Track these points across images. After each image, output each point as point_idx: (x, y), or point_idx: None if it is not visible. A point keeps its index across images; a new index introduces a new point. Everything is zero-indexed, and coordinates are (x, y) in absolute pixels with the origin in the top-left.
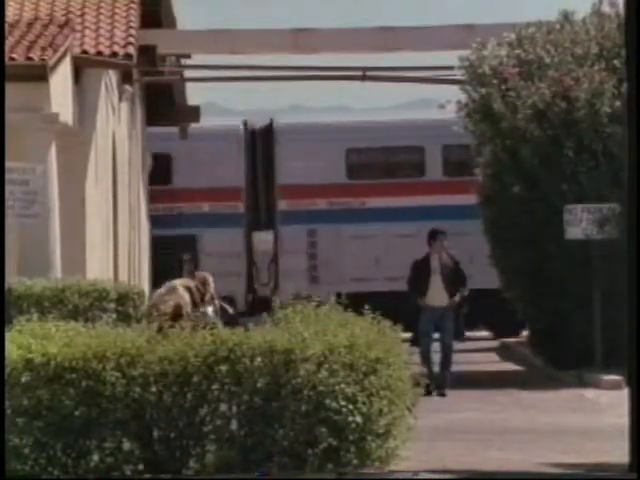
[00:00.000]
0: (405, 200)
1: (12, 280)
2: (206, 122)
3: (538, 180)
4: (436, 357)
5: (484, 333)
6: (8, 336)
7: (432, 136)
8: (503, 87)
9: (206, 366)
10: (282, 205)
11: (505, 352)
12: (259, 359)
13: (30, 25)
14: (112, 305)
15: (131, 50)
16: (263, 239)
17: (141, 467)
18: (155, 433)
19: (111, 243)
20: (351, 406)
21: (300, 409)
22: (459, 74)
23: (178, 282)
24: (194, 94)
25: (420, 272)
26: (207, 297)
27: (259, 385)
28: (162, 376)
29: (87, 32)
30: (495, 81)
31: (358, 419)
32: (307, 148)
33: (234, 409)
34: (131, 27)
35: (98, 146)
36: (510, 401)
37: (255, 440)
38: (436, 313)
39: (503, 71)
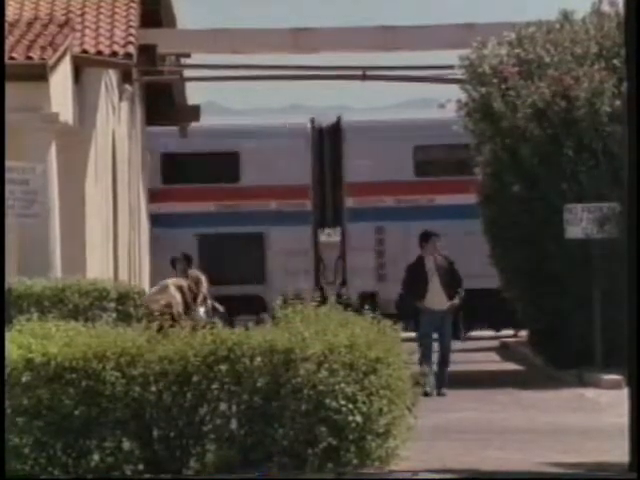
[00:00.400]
0: (473, 197)
1: (12, 280)
2: (275, 120)
3: (538, 179)
4: (433, 357)
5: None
6: (8, 336)
7: None
8: (503, 86)
9: (206, 366)
10: (349, 202)
11: (505, 352)
12: (259, 359)
13: (30, 24)
14: (112, 304)
15: (131, 49)
16: (330, 237)
17: (141, 467)
18: (155, 433)
19: (111, 242)
20: (351, 405)
21: (300, 408)
22: (459, 73)
23: (170, 281)
24: (194, 93)
25: (416, 275)
26: (200, 297)
27: (259, 385)
28: (162, 376)
29: (87, 31)
30: (495, 80)
31: (358, 419)
32: (374, 145)
33: (234, 409)
34: (131, 26)
35: (98, 145)
36: (510, 401)
37: (255, 440)
38: (436, 316)
39: (503, 70)
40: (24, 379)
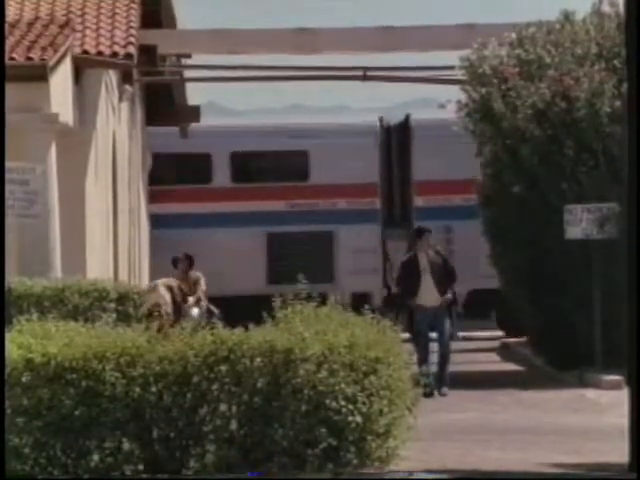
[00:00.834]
0: None
1: (12, 280)
2: (343, 119)
3: (538, 180)
4: (433, 357)
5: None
6: (8, 336)
7: None
8: (503, 87)
9: (206, 366)
10: (418, 201)
11: (505, 352)
12: (259, 359)
13: (30, 25)
14: (112, 305)
15: (131, 50)
16: (397, 235)
17: (141, 467)
18: (155, 433)
19: (111, 243)
20: (351, 406)
21: (300, 409)
22: (459, 74)
23: (160, 281)
24: (194, 94)
25: (409, 272)
26: (194, 298)
27: (259, 385)
28: (162, 376)
29: (87, 32)
30: (495, 81)
31: (358, 419)
32: (443, 144)
33: (234, 409)
34: (131, 27)
35: (98, 146)
36: (510, 401)
37: (255, 440)
38: (429, 313)
39: (503, 71)
40: (24, 379)
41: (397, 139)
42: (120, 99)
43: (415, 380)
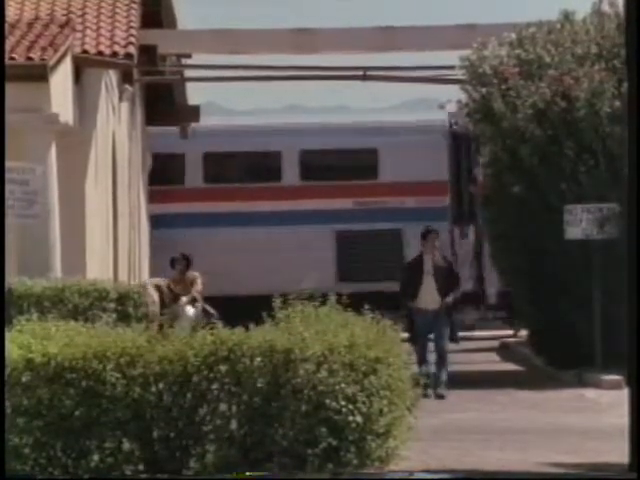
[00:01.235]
0: None
1: (12, 280)
2: (412, 117)
3: (538, 180)
4: (431, 357)
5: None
6: (8, 336)
7: None
8: (503, 87)
9: (206, 366)
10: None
11: (505, 352)
12: (259, 359)
13: (30, 25)
14: (112, 305)
15: (132, 50)
16: (465, 233)
17: (141, 467)
18: (155, 433)
19: (111, 243)
20: (351, 406)
21: (300, 409)
22: (459, 74)
23: (149, 281)
24: (194, 94)
25: (413, 274)
26: (187, 298)
27: (259, 385)
28: (162, 376)
29: (88, 32)
30: (495, 81)
31: (358, 419)
32: None
33: (234, 409)
34: (132, 27)
35: (98, 146)
36: (510, 401)
37: (255, 440)
38: (429, 316)
39: (503, 71)
40: (24, 379)
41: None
42: (120, 99)
43: (415, 380)
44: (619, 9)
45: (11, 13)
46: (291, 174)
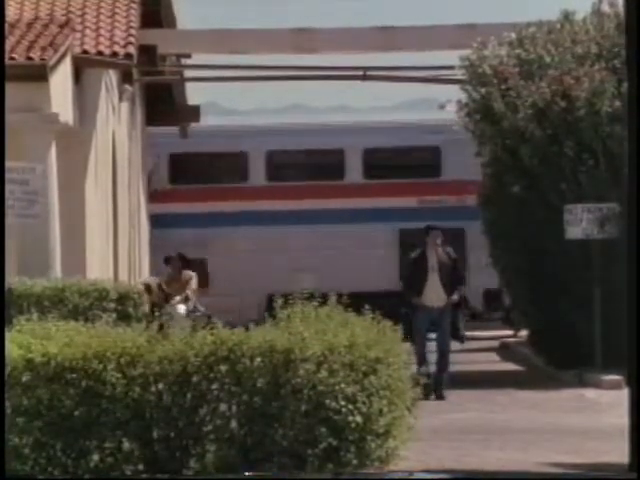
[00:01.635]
0: None
1: (12, 280)
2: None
3: (538, 180)
4: (432, 357)
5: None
6: (8, 336)
7: None
8: (503, 87)
9: (206, 366)
10: None
11: (505, 352)
12: (259, 359)
13: (30, 25)
14: (112, 305)
15: (131, 50)
16: None
17: (141, 467)
18: (155, 433)
19: (111, 243)
20: (351, 406)
21: (300, 409)
22: (459, 74)
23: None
24: (194, 94)
25: (417, 270)
26: (181, 297)
27: (259, 385)
28: (162, 376)
29: (87, 32)
30: (495, 81)
31: (358, 419)
32: None
33: (234, 409)
34: (131, 27)
35: (98, 146)
36: (510, 401)
37: (255, 440)
38: (433, 313)
39: (503, 71)
40: (24, 379)
41: None
42: (120, 99)
43: (415, 380)
44: (619, 9)
45: (11, 13)
46: (355, 173)
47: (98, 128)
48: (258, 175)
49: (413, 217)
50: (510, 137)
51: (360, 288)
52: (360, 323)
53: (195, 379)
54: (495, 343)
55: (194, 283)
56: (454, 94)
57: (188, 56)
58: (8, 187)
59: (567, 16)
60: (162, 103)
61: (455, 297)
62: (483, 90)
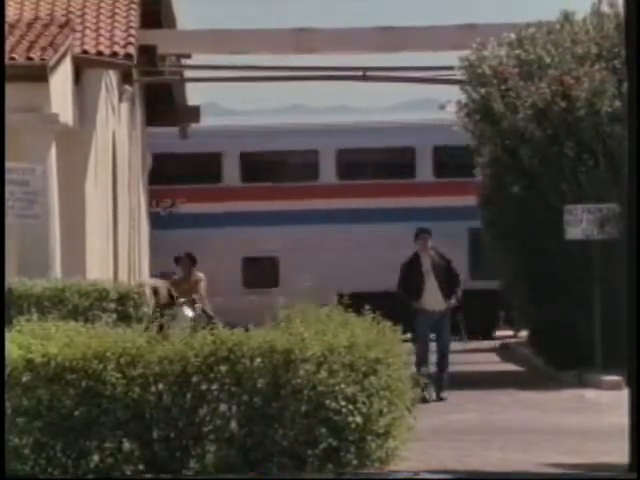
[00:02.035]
0: None
1: (12, 280)
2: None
3: (538, 180)
4: (432, 357)
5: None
6: (8, 336)
7: None
8: (503, 87)
9: (206, 366)
10: None
11: (505, 352)
12: (259, 359)
13: (30, 25)
14: (112, 305)
15: (131, 50)
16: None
17: (141, 467)
18: (155, 433)
19: (111, 243)
20: (351, 406)
21: (300, 409)
22: (459, 74)
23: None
24: (194, 94)
25: (411, 274)
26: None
27: (259, 385)
28: (162, 376)
29: (87, 32)
30: (495, 81)
31: (358, 419)
32: None
33: (234, 409)
34: (131, 27)
35: (98, 146)
36: (510, 401)
37: (255, 440)
38: (433, 317)
39: (503, 71)
40: (24, 379)
41: None
42: (120, 99)
43: (415, 381)
44: (619, 9)
45: (11, 13)
46: (425, 171)
47: (98, 128)
48: (329, 173)
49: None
50: (510, 137)
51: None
52: (360, 324)
53: (195, 379)
54: (495, 343)
55: (203, 287)
56: (454, 94)
57: (188, 56)
58: (8, 188)
59: (567, 16)
60: (162, 103)
61: (453, 301)
62: (483, 90)
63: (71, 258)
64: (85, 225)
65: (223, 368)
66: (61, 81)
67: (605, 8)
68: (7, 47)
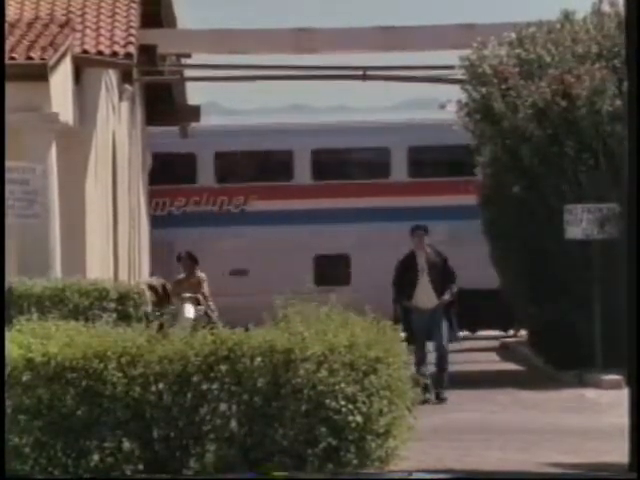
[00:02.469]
0: None
1: (12, 280)
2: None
3: (538, 180)
4: (430, 357)
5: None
6: (8, 336)
7: None
8: (503, 87)
9: (206, 366)
10: None
11: (505, 352)
12: (259, 359)
13: (30, 25)
14: (112, 305)
15: (131, 50)
16: None
17: (141, 467)
18: (155, 433)
19: (111, 243)
20: (351, 406)
21: (300, 409)
22: (459, 74)
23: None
24: (194, 93)
25: (406, 272)
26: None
27: (259, 385)
28: (162, 376)
29: (87, 32)
30: (495, 81)
31: (358, 419)
32: None
33: (234, 409)
34: (131, 27)
35: (98, 146)
36: (510, 401)
37: (255, 440)
38: (425, 315)
39: (503, 70)
40: (24, 379)
41: None
42: (120, 99)
43: (415, 380)
44: (619, 8)
45: (11, 13)
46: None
47: (98, 128)
48: (401, 171)
49: None
50: (510, 137)
51: (479, 285)
52: (360, 323)
53: (195, 379)
54: (495, 343)
55: (206, 286)
56: (454, 94)
57: (188, 56)
58: (8, 187)
59: (567, 16)
60: (162, 103)
61: (446, 297)
62: (483, 90)
63: (71, 258)
64: (85, 225)
65: (223, 367)
66: (61, 80)
67: (606, 7)
68: (7, 46)
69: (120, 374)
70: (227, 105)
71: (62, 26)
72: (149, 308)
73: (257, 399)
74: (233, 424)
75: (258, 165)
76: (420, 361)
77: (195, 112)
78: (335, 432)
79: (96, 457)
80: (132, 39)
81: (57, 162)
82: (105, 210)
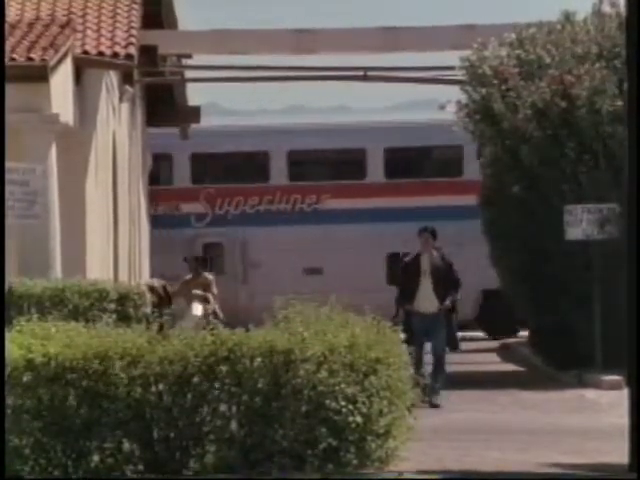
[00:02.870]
0: None
1: (12, 280)
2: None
3: (538, 180)
4: (427, 357)
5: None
6: (8, 336)
7: None
8: (503, 87)
9: (206, 366)
10: None
11: (505, 352)
12: (259, 359)
13: (31, 25)
14: (112, 305)
15: (132, 50)
16: None
17: (141, 467)
18: (155, 433)
19: (111, 243)
20: (351, 406)
21: (300, 409)
22: (459, 74)
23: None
24: (195, 94)
25: (410, 275)
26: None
27: (259, 385)
28: (162, 376)
29: (88, 32)
30: (495, 81)
31: (358, 419)
32: None
33: (234, 409)
34: (132, 27)
35: (98, 146)
36: (510, 401)
37: (255, 440)
38: (426, 319)
39: (503, 71)
40: (24, 379)
41: None
42: (120, 99)
43: (415, 381)
44: (620, 9)
45: (12, 13)
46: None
47: (98, 129)
48: (472, 169)
49: None
50: (510, 137)
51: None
52: (360, 323)
53: (195, 379)
54: (495, 343)
55: (215, 287)
56: (454, 95)
57: (189, 57)
58: (8, 188)
59: (567, 17)
60: (163, 104)
61: (447, 303)
62: (483, 91)
63: (71, 258)
64: (85, 225)
65: (223, 368)
66: (62, 81)
67: (606, 8)
68: (8, 47)
69: (120, 375)
70: (227, 105)
71: (63, 27)
72: (149, 309)
73: (257, 400)
74: (233, 425)
75: (329, 164)
76: (417, 363)
77: (195, 113)
78: (335, 433)
79: (96, 458)
80: (133, 40)
81: (57, 163)
82: (105, 211)
